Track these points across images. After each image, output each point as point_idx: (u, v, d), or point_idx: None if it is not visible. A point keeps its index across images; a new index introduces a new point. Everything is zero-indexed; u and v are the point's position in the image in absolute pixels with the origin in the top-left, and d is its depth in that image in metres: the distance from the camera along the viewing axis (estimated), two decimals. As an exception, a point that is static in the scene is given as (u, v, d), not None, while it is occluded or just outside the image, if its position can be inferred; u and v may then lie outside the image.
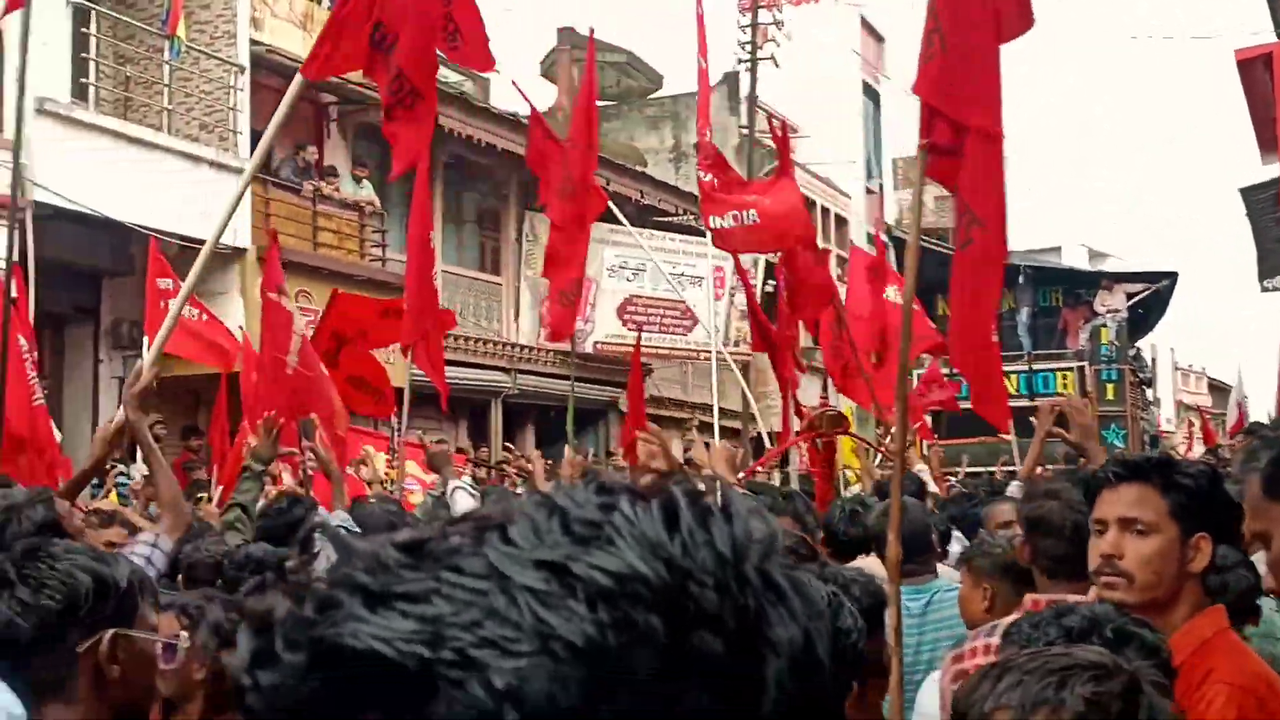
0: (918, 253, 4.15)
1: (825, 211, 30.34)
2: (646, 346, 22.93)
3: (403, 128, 6.09)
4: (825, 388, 20.69)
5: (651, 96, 30.06)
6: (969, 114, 4.10)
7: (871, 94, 34.03)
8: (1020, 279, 20.29)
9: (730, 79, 28.24)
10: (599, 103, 30.31)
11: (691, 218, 23.69)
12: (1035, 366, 19.92)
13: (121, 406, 4.43)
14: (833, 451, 8.24)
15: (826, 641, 0.62)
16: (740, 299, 23.93)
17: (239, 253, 14.08)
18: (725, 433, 19.50)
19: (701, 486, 0.63)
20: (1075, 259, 42.61)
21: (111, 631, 2.07)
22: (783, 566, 0.62)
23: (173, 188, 13.41)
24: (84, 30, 13.44)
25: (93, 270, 14.06)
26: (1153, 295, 22.93)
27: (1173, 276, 23.15)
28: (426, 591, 0.58)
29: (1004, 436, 11.38)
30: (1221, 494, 2.39)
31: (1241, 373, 22.48)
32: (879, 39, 34.54)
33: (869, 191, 33.46)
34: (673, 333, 22.94)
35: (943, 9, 4.06)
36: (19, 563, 2.12)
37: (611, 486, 0.62)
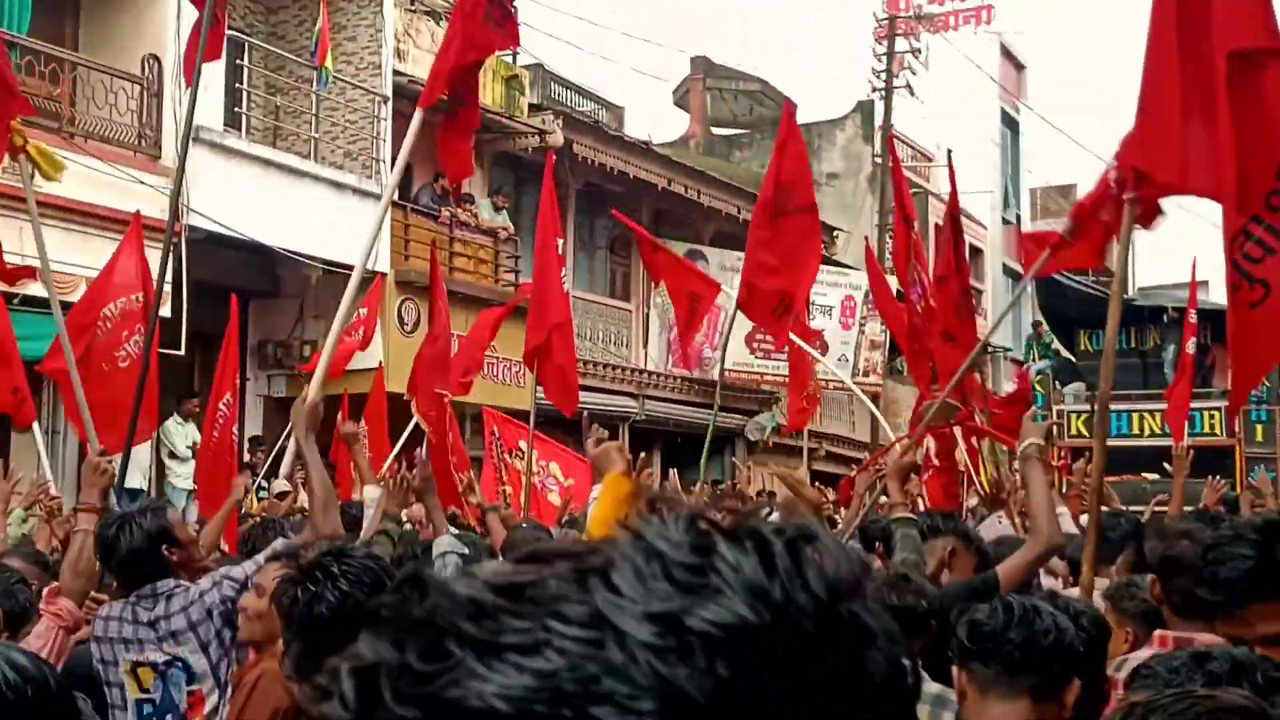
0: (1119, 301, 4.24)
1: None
2: (775, 375, 22.90)
3: (446, 135, 6.21)
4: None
5: (784, 125, 30.03)
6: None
7: (1010, 122, 33.49)
8: (1165, 317, 19.77)
9: (864, 107, 28.09)
10: (730, 131, 30.37)
11: (823, 246, 23.59)
12: None
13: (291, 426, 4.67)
14: (951, 447, 8.23)
15: (908, 678, 0.64)
16: (871, 327, 23.73)
17: (379, 276, 14.48)
18: (855, 464, 19.30)
19: (792, 524, 0.64)
20: (1221, 293, 41.18)
21: None
22: (868, 603, 0.63)
23: (318, 214, 13.88)
24: (238, 62, 14.03)
25: (240, 291, 14.61)
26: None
27: None
28: (537, 643, 0.57)
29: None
30: None
31: None
32: (1019, 66, 34.00)
33: (1005, 222, 32.88)
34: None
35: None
36: (339, 558, 2.56)
37: (703, 526, 0.62)
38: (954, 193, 9.29)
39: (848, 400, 23.54)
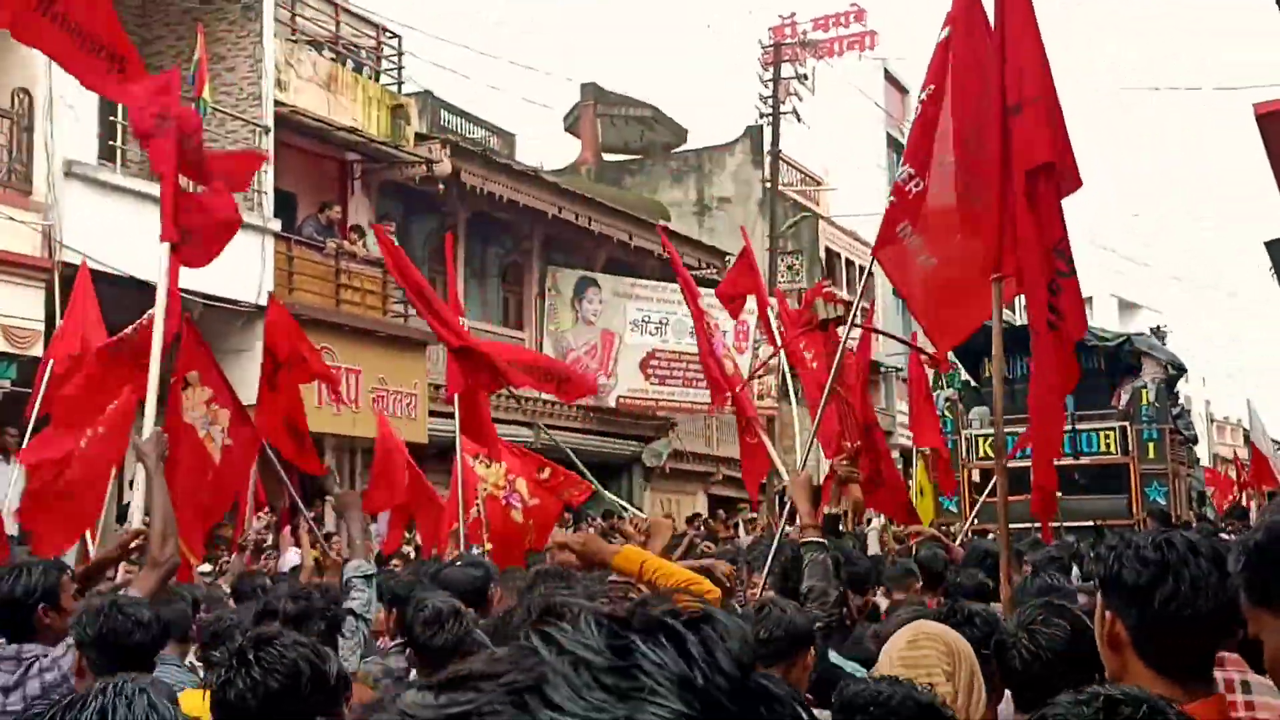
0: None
1: (850, 264, 30.35)
2: (669, 401, 22.97)
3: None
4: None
5: (675, 150, 30.25)
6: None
7: (896, 146, 34.16)
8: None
9: (754, 132, 28.40)
10: (621, 157, 30.51)
11: (714, 271, 23.73)
12: (1079, 427, 20.28)
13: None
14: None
15: None
16: (765, 351, 23.92)
17: (261, 310, 14.20)
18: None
19: (671, 605, 0.67)
20: (1105, 310, 42.44)
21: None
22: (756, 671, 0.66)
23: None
24: (112, 93, 13.66)
25: (117, 329, 14.19)
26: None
27: (1182, 370, 23.76)
28: None
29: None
30: None
31: (1254, 410, 22.54)
32: (903, 90, 34.71)
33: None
34: (696, 387, 22.92)
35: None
36: (256, 647, 2.46)
37: (612, 625, 0.64)
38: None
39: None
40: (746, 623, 0.80)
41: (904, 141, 34.64)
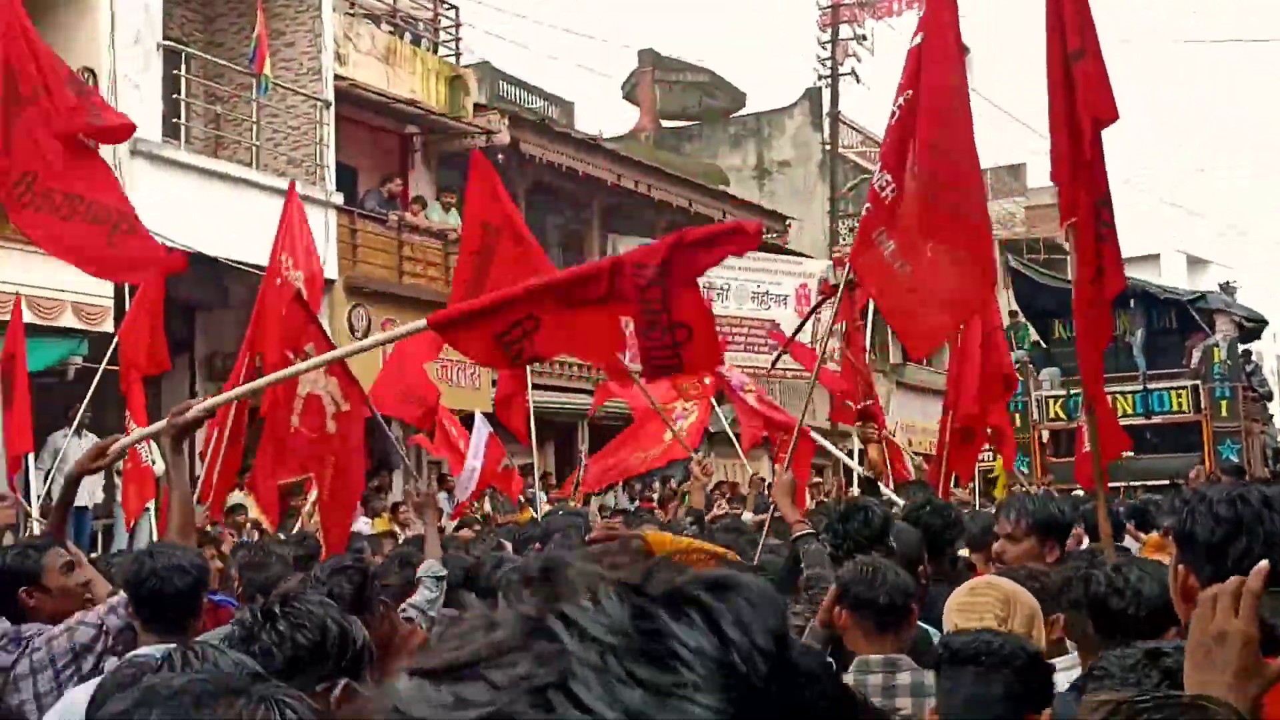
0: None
1: (912, 225, 30.03)
2: (731, 365, 22.89)
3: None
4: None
5: (734, 115, 30.04)
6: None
7: (957, 105, 33.67)
8: (1131, 302, 20.48)
9: (813, 94, 28.13)
10: (679, 123, 30.39)
11: (774, 235, 23.61)
12: (1150, 386, 20.18)
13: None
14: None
15: (851, 704, 0.66)
16: (827, 316, 23.77)
17: (328, 284, 14.34)
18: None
19: (712, 576, 0.61)
20: (1174, 268, 41.64)
21: (345, 681, 2.36)
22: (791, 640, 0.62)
23: (263, 222, 13.71)
24: (175, 72, 13.83)
25: (186, 304, 14.42)
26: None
27: (1262, 323, 23.49)
28: None
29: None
30: None
31: None
32: (964, 49, 34.17)
33: (956, 204, 33.09)
34: (758, 352, 22.85)
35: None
36: (284, 603, 2.46)
37: (640, 603, 0.58)
38: None
39: (807, 388, 23.55)
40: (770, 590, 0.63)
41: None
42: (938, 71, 5.29)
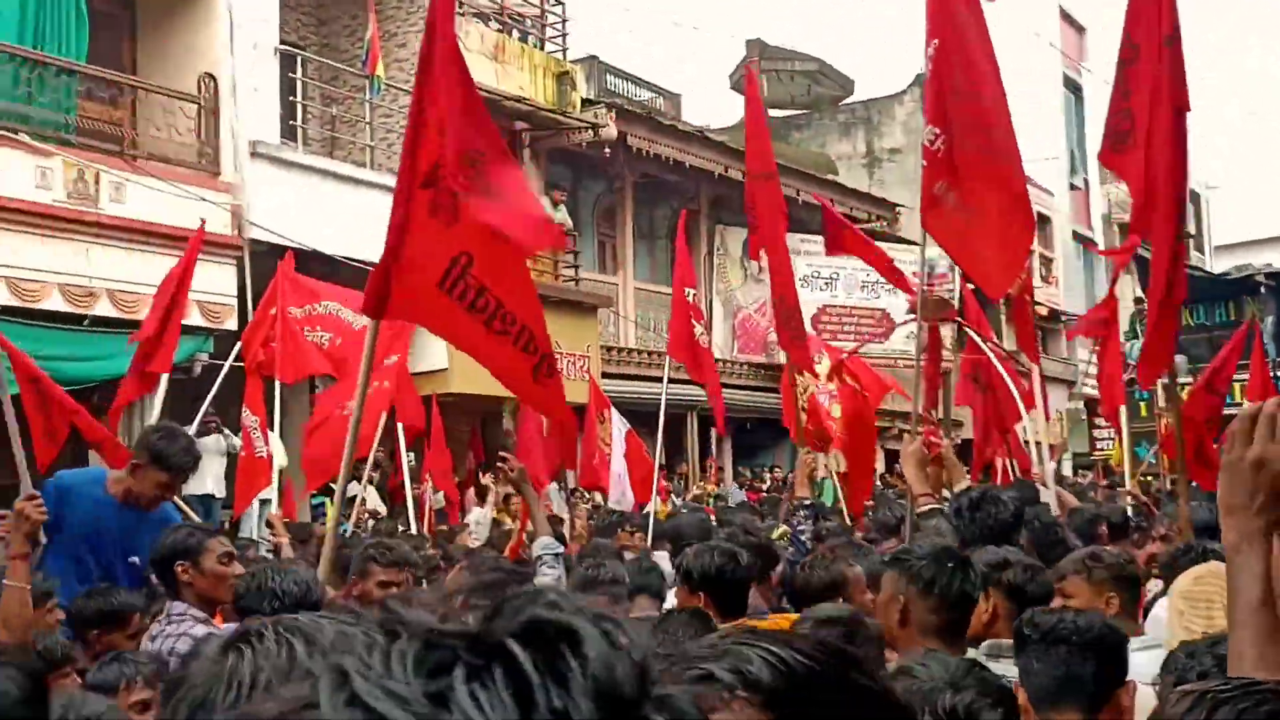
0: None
1: (1027, 210, 29.44)
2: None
3: None
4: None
5: (843, 103, 29.77)
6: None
7: (1073, 86, 32.89)
8: (1262, 289, 19.94)
9: (923, 80, 27.72)
10: (787, 112, 30.17)
11: (884, 224, 23.38)
12: None
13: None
14: None
15: None
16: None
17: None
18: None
19: (547, 613, 0.52)
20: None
21: None
22: (661, 695, 0.52)
23: (377, 220, 14.00)
24: (291, 75, 14.22)
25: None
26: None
27: None
28: None
29: None
30: None
31: None
32: (1079, 29, 33.37)
33: (1073, 187, 32.33)
34: (870, 341, 22.65)
35: None
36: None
37: (441, 655, 0.50)
38: None
39: (912, 378, 23.30)
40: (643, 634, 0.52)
41: (1081, 83, 33.30)
42: (953, 18, 5.48)
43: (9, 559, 4.07)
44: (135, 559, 4.57)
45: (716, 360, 20.46)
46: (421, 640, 0.49)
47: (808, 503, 6.64)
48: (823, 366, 10.31)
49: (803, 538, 6.08)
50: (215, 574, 3.82)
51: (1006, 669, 2.70)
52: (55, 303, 11.16)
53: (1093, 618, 2.59)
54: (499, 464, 5.42)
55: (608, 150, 18.26)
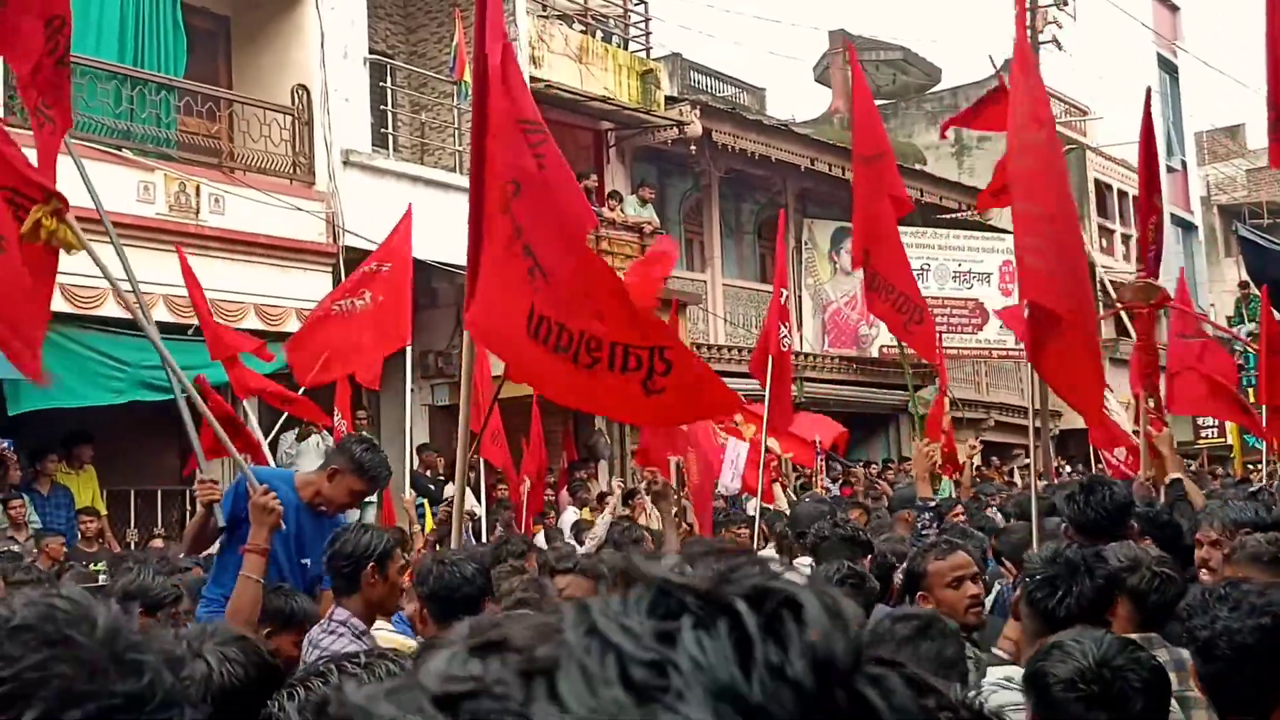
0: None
1: (1123, 195, 28.85)
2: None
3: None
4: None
5: (930, 91, 29.43)
6: None
7: (1168, 66, 32.13)
8: None
9: (1009, 66, 27.31)
10: (876, 102, 29.94)
11: (976, 213, 23.06)
12: None
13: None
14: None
15: None
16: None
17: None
18: (1020, 431, 18.86)
19: (773, 582, 0.55)
20: None
21: None
22: (874, 672, 0.54)
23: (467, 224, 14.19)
24: (381, 84, 14.45)
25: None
26: None
27: None
28: None
29: None
30: None
31: None
32: (1173, 8, 32.59)
33: (1170, 170, 31.57)
34: (962, 332, 22.39)
35: None
36: None
37: (671, 604, 0.54)
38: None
39: (1015, 367, 22.99)
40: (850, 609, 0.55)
41: (1176, 63, 32.47)
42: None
43: (247, 552, 4.08)
44: (307, 561, 4.58)
45: (807, 355, 20.38)
46: (656, 589, 0.54)
47: (932, 504, 6.46)
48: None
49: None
50: (395, 583, 3.89)
51: (1013, 696, 2.66)
52: (160, 313, 11.48)
53: None
54: (647, 476, 5.47)
55: (693, 147, 18.27)
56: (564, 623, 0.54)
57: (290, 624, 3.98)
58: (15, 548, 8.92)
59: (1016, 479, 19.84)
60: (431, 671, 0.54)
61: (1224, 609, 2.39)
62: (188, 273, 8.17)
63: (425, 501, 12.27)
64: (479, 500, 13.25)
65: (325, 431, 11.46)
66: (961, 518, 7.65)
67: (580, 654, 0.52)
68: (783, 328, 9.17)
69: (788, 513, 8.74)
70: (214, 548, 4.96)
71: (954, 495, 9.66)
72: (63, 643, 0.96)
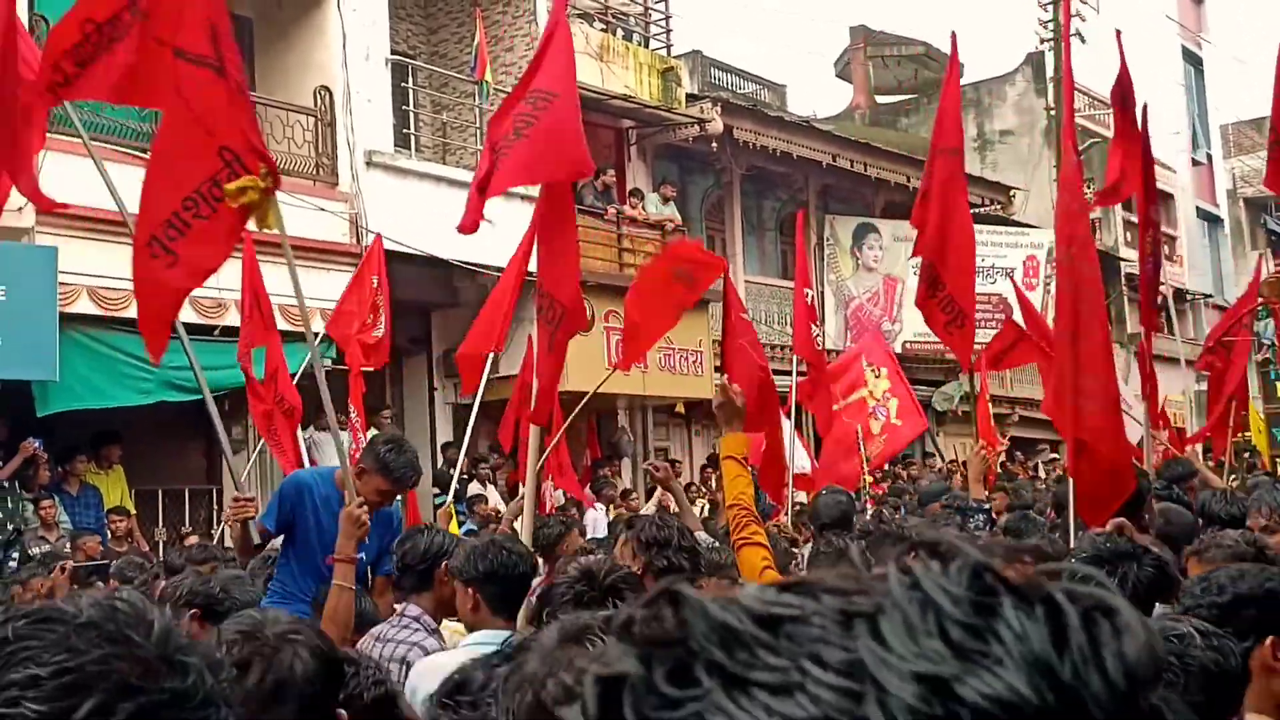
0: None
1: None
2: (959, 343, 22.40)
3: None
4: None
5: (951, 86, 29.30)
6: None
7: (1193, 59, 31.92)
8: None
9: (1034, 59, 27.20)
10: (895, 98, 29.79)
11: (998, 208, 22.98)
12: None
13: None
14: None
15: None
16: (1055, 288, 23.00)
17: (552, 279, 14.77)
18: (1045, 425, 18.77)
19: (1087, 590, 0.57)
20: None
21: None
22: (1165, 696, 0.56)
23: (490, 223, 14.23)
24: (403, 84, 14.52)
25: (421, 305, 15.11)
26: None
27: None
28: (790, 685, 0.53)
29: None
30: None
31: None
32: (1198, 1, 32.37)
33: (1195, 163, 31.37)
34: (986, 327, 22.27)
35: None
36: None
37: (988, 581, 0.56)
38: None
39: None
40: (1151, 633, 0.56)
41: (1201, 55, 32.24)
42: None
43: (336, 561, 4.15)
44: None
45: (830, 352, 20.34)
46: (972, 567, 0.57)
47: (986, 506, 6.36)
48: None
49: None
50: (444, 578, 3.94)
51: None
52: (187, 314, 11.55)
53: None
54: (649, 466, 5.56)
55: (714, 145, 18.27)
56: (888, 577, 0.57)
57: (362, 627, 4.08)
58: (47, 547, 9.02)
59: (1041, 474, 19.77)
60: (749, 595, 0.57)
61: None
62: (253, 269, 8.35)
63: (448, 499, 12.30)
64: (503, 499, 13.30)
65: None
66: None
67: (904, 604, 0.55)
68: (813, 327, 9.14)
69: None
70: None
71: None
72: (122, 641, 1.04)
